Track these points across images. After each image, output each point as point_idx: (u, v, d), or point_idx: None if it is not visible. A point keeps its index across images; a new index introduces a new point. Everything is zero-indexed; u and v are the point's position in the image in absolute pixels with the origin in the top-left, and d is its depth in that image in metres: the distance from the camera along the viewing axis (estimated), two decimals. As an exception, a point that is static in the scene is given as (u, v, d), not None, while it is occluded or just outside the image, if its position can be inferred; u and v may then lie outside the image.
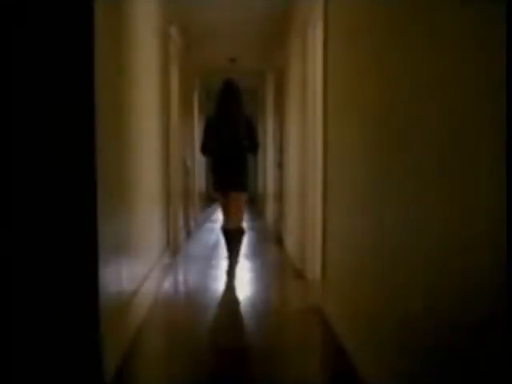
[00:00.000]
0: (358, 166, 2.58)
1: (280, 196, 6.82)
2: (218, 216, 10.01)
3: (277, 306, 3.73)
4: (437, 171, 1.57)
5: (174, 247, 5.46)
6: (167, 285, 4.29)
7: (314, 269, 4.39)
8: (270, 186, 8.61)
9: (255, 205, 12.64)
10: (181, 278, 4.70)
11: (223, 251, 5.91)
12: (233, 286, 4.25)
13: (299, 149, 4.84)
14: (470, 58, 1.36)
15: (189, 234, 7.15)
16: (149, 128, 3.83)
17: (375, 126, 2.25)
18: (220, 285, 4.34)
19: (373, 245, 2.28)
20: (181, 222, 6.14)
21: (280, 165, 6.77)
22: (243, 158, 4.53)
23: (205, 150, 4.61)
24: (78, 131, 2.14)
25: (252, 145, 4.56)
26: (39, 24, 2.10)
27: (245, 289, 4.19)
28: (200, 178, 9.91)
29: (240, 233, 4.59)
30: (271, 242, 6.85)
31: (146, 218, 3.69)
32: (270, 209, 8.67)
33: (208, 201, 12.62)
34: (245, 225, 5.46)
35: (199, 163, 9.71)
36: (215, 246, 6.37)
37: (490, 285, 1.26)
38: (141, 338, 2.96)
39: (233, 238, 4.58)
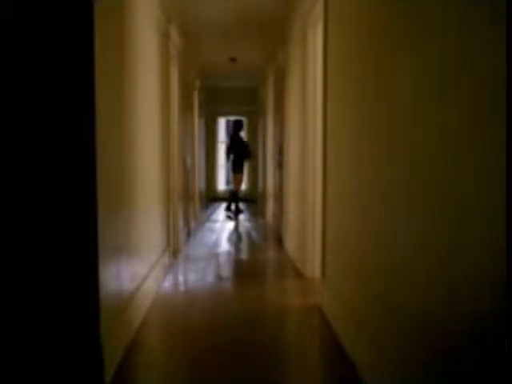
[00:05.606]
0: (357, 165, 2.58)
1: (280, 196, 6.82)
2: (218, 216, 10.06)
3: (276, 305, 3.73)
4: (438, 171, 1.58)
5: (174, 247, 5.46)
6: (167, 284, 4.30)
7: (313, 268, 4.40)
8: (270, 186, 8.61)
9: (255, 204, 12.63)
10: (181, 277, 4.70)
11: (223, 252, 6.00)
12: (238, 218, 9.46)
13: (299, 149, 4.85)
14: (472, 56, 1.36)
15: (189, 233, 7.15)
16: (149, 128, 3.84)
17: (376, 125, 2.26)
18: (220, 285, 4.36)
19: (372, 244, 2.28)
20: (181, 222, 6.14)
21: (280, 165, 6.77)
22: (243, 160, 9.90)
23: (228, 156, 9.87)
24: (78, 131, 2.15)
25: (247, 154, 9.91)
26: (39, 25, 2.10)
27: (245, 288, 4.19)
28: (200, 178, 9.91)
29: (238, 191, 10.08)
30: (271, 241, 6.85)
31: (146, 217, 3.70)
32: (270, 208, 8.67)
33: (208, 200, 12.61)
34: (241, 189, 10.40)
35: (200, 163, 9.71)
36: (215, 246, 6.37)
37: (489, 289, 1.26)
38: (141, 338, 2.96)
39: (234, 194, 9.88)
